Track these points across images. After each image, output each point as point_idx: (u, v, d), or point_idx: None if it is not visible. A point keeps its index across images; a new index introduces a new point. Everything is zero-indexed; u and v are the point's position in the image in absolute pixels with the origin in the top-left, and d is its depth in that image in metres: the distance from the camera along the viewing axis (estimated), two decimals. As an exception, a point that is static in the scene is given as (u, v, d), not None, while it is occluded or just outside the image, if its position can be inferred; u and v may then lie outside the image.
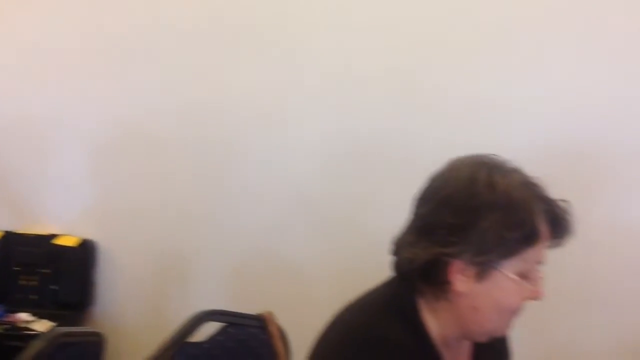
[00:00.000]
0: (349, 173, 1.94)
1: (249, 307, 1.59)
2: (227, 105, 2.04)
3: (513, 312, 1.15)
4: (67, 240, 2.20)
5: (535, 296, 1.14)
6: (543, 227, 1.09)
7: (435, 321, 1.15)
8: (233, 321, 1.51)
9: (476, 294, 1.10)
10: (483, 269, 1.08)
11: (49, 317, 2.12)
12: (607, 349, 1.80)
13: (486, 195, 1.07)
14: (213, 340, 1.48)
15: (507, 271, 1.08)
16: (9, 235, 2.25)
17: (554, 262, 1.55)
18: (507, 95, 1.80)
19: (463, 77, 1.80)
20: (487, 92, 1.80)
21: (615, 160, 1.77)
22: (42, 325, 2.09)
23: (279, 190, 2.03)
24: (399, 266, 1.16)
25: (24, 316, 2.12)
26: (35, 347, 1.27)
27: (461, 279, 1.09)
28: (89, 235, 2.20)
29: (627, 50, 1.73)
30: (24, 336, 2.00)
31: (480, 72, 1.80)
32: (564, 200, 1.13)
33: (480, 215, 1.06)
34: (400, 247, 1.15)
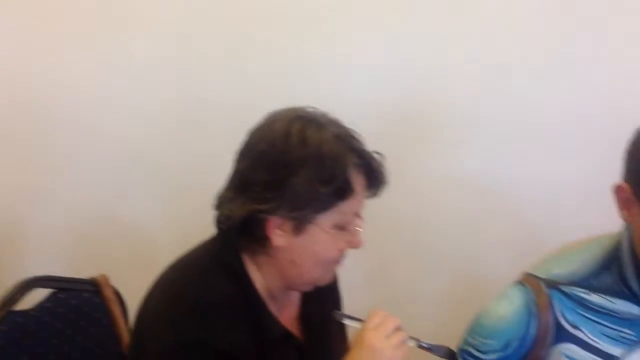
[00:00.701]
0: (189, 139, 1.92)
1: (89, 273, 1.54)
2: (64, 78, 1.94)
3: (333, 262, 1.18)
4: None
5: (353, 246, 1.17)
6: (357, 180, 1.12)
7: (259, 274, 1.17)
8: (63, 286, 1.46)
9: (294, 248, 1.12)
10: (299, 224, 1.10)
11: None
12: (440, 291, 1.90)
13: (298, 151, 1.08)
14: (41, 307, 1.42)
15: (323, 224, 1.11)
16: None
17: (389, 211, 1.65)
18: (334, 49, 1.82)
19: (288, 33, 1.81)
20: (313, 47, 1.81)
21: (447, 114, 1.84)
22: None
23: (119, 157, 1.97)
24: (219, 222, 1.16)
25: None
26: None
27: (279, 234, 1.11)
28: None
29: (456, 12, 1.79)
30: None
31: (305, 28, 1.81)
32: (378, 153, 1.17)
33: (293, 171, 1.07)
34: (221, 203, 1.15)
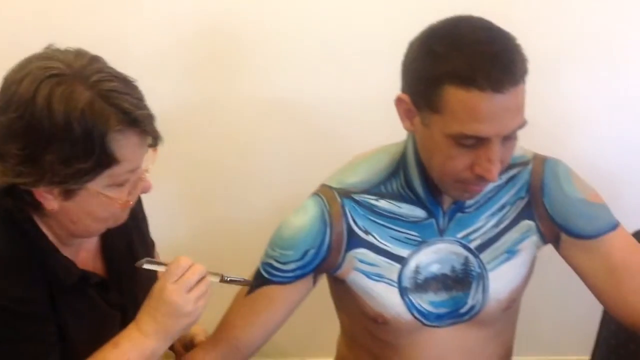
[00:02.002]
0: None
1: None
2: None
3: (118, 214, 1.11)
4: None
5: (142, 192, 1.13)
6: (125, 144, 1.02)
7: (46, 228, 1.10)
8: None
9: (70, 210, 1.05)
10: (67, 191, 1.02)
11: None
12: (257, 214, 1.94)
13: (45, 124, 0.97)
14: None
15: (94, 188, 1.03)
16: None
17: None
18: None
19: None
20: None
21: (258, 36, 1.85)
22: None
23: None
24: None
25: None
26: None
27: (50, 199, 1.03)
28: None
29: None
30: None
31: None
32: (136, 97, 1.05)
33: (43, 148, 0.98)
34: None
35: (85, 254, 1.18)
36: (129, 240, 1.24)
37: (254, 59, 1.86)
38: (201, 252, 1.83)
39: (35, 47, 1.06)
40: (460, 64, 1.01)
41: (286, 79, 1.88)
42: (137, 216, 1.29)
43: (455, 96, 1.02)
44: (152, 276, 1.17)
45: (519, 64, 1.03)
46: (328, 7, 1.81)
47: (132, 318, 1.13)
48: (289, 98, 1.90)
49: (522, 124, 1.06)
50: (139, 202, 1.28)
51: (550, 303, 2.01)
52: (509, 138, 1.07)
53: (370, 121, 1.82)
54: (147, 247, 1.31)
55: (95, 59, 1.04)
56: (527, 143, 1.23)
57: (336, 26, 1.82)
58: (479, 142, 1.05)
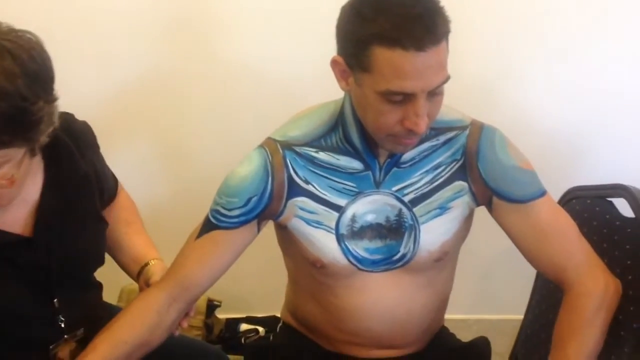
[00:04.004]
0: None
1: None
2: None
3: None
4: None
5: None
6: None
7: None
8: None
9: None
10: None
11: None
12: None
13: None
14: None
15: None
16: None
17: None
18: None
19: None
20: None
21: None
22: None
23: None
24: None
25: None
26: None
27: None
28: None
29: None
30: None
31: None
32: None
33: None
34: None
35: (12, 216, 1.24)
36: (69, 199, 1.29)
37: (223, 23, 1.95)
38: (179, 212, 1.94)
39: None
40: (386, 26, 1.09)
41: (254, 43, 1.95)
42: (82, 173, 1.32)
43: (382, 56, 1.10)
44: (95, 233, 1.24)
45: (440, 24, 1.11)
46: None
47: (58, 278, 1.21)
48: (257, 61, 1.99)
49: (445, 79, 1.14)
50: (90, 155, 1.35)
51: (504, 265, 2.11)
52: (434, 93, 1.15)
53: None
54: (98, 202, 1.37)
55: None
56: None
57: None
58: (406, 98, 1.13)
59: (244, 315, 2.19)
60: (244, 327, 2.15)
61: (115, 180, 1.49)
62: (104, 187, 1.40)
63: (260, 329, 2.14)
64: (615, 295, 1.26)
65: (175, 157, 2.11)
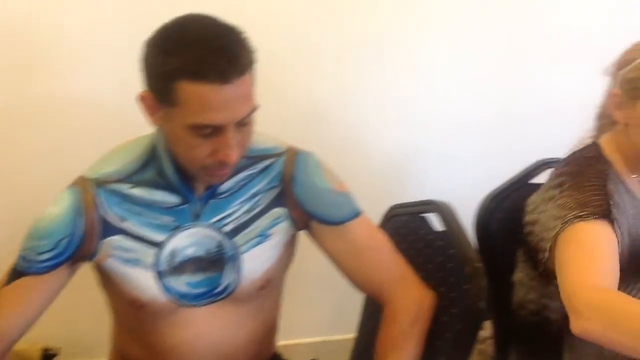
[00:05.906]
0: None
1: None
2: None
3: None
4: None
5: None
6: None
7: None
8: None
9: None
10: None
11: None
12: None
13: None
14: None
15: None
16: None
17: None
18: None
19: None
20: None
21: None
22: None
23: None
24: None
25: None
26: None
27: None
28: None
29: None
30: None
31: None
32: None
33: None
34: None
35: None
36: None
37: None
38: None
39: None
40: (189, 59, 1.09)
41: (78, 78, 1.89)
42: None
43: (187, 89, 1.10)
44: None
45: (243, 55, 1.12)
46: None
47: None
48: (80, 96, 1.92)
49: (253, 109, 1.16)
50: None
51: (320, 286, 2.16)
52: (243, 124, 1.16)
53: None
54: None
55: None
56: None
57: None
58: (215, 130, 1.13)
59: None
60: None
61: None
62: None
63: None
64: (430, 308, 1.33)
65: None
